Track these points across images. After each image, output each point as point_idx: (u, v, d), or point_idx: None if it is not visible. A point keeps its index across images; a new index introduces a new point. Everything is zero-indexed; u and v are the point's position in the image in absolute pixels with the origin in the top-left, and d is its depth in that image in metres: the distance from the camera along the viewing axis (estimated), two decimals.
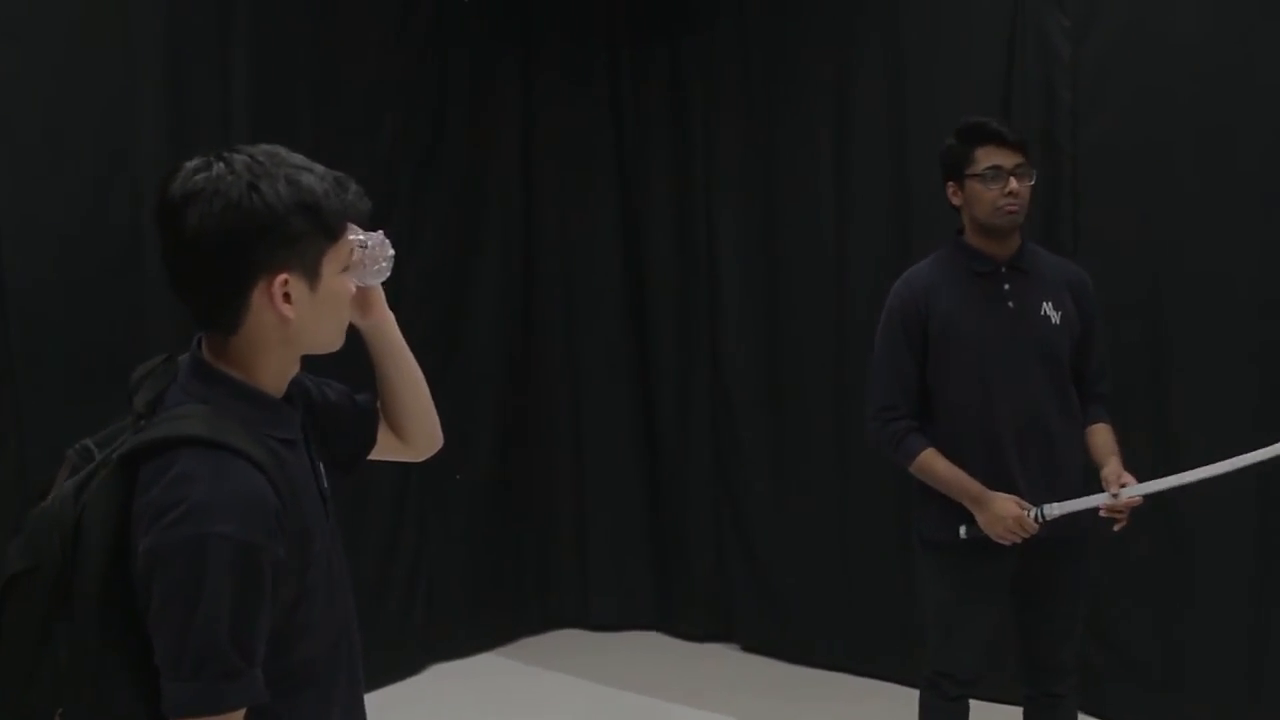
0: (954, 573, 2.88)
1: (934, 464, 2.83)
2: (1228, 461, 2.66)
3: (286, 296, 1.41)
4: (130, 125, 3.75)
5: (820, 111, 4.56)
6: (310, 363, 1.57)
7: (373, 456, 1.77)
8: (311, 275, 1.43)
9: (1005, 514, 2.73)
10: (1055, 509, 2.73)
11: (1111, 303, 3.76)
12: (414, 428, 1.78)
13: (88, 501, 1.36)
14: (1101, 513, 2.77)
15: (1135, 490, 2.75)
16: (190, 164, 1.40)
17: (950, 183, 2.88)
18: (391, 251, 1.59)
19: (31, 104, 3.52)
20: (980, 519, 2.75)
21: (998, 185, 2.79)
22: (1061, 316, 2.85)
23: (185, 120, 3.88)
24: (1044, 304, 2.85)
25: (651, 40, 5.09)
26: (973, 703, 2.96)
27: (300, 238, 1.40)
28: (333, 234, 1.45)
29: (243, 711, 1.34)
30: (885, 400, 2.89)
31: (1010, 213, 2.80)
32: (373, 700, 4.92)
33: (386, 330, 1.70)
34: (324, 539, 1.49)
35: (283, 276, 1.40)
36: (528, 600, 5.19)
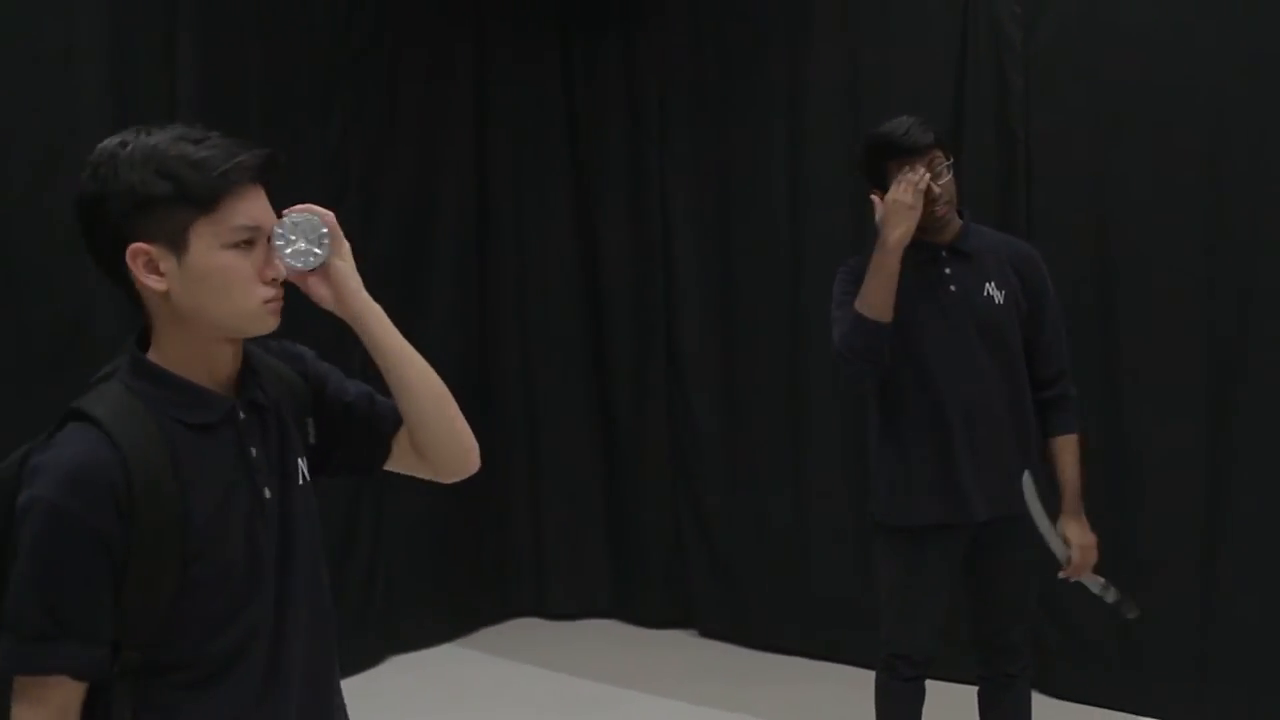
0: (905, 554, 2.88)
1: (870, 289, 2.74)
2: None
3: (155, 269, 1.39)
4: (72, 120, 3.67)
5: (774, 100, 4.57)
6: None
7: (394, 469, 1.66)
8: (177, 247, 1.38)
9: (893, 197, 2.67)
10: (1029, 491, 2.73)
11: (1064, 285, 3.80)
12: (429, 441, 1.61)
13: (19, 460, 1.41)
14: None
15: (1085, 580, 2.84)
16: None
17: (875, 191, 2.79)
18: (323, 231, 1.50)
19: None
20: (884, 229, 2.69)
21: (916, 198, 2.72)
22: (1005, 295, 2.81)
23: (130, 115, 3.79)
24: (987, 285, 2.81)
25: (604, 29, 5.07)
26: (929, 683, 2.97)
27: (153, 204, 1.37)
28: (202, 204, 1.38)
29: (72, 686, 1.34)
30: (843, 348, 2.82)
31: (941, 214, 2.77)
32: None
33: (368, 325, 1.56)
34: (234, 531, 1.42)
35: (137, 245, 1.38)
36: (485, 590, 5.16)
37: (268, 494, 1.47)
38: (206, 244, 1.39)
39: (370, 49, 4.65)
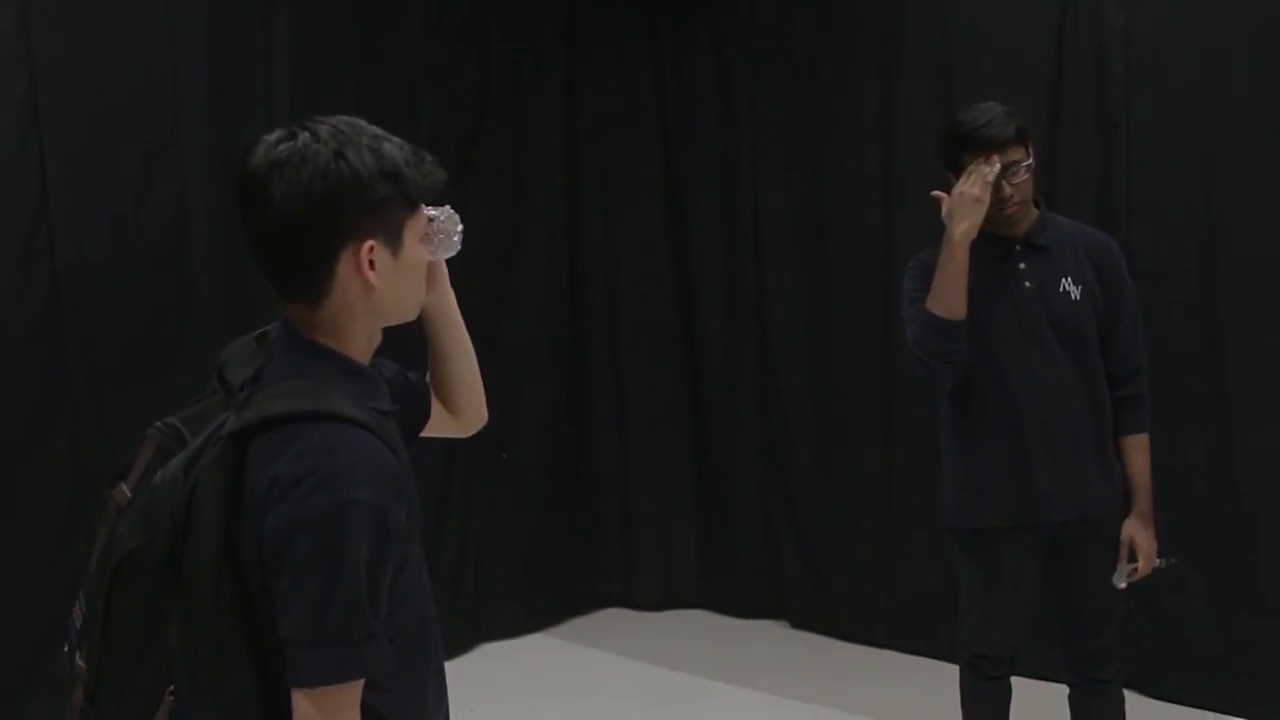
0: (979, 558, 2.83)
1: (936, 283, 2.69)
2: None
3: (371, 264, 1.41)
4: (173, 110, 3.78)
5: (866, 87, 4.51)
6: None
7: (424, 433, 1.76)
8: (394, 243, 1.44)
9: (960, 189, 2.62)
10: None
11: (1165, 279, 3.71)
12: (464, 402, 1.81)
13: (198, 478, 1.35)
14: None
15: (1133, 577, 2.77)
16: (271, 136, 1.40)
17: (951, 175, 2.72)
18: (461, 226, 1.62)
19: (76, 89, 3.56)
20: (950, 223, 2.63)
21: (988, 193, 2.65)
22: (1082, 290, 2.73)
23: (227, 106, 3.91)
24: (1063, 280, 2.72)
25: (693, 21, 5.05)
26: (1021, 681, 2.92)
27: (384, 204, 1.41)
28: (413, 203, 1.46)
29: (363, 680, 1.34)
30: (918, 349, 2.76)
31: (1010, 213, 2.69)
32: None
33: (447, 305, 1.73)
34: (415, 509, 1.50)
35: (369, 243, 1.40)
36: (575, 580, 5.20)
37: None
38: (412, 239, 1.47)
39: (460, 45, 4.70)
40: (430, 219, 1.53)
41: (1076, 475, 2.71)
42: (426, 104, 4.56)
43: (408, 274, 1.48)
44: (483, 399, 1.85)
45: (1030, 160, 2.69)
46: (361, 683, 1.33)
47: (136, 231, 3.70)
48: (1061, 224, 2.82)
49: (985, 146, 2.63)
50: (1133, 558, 2.76)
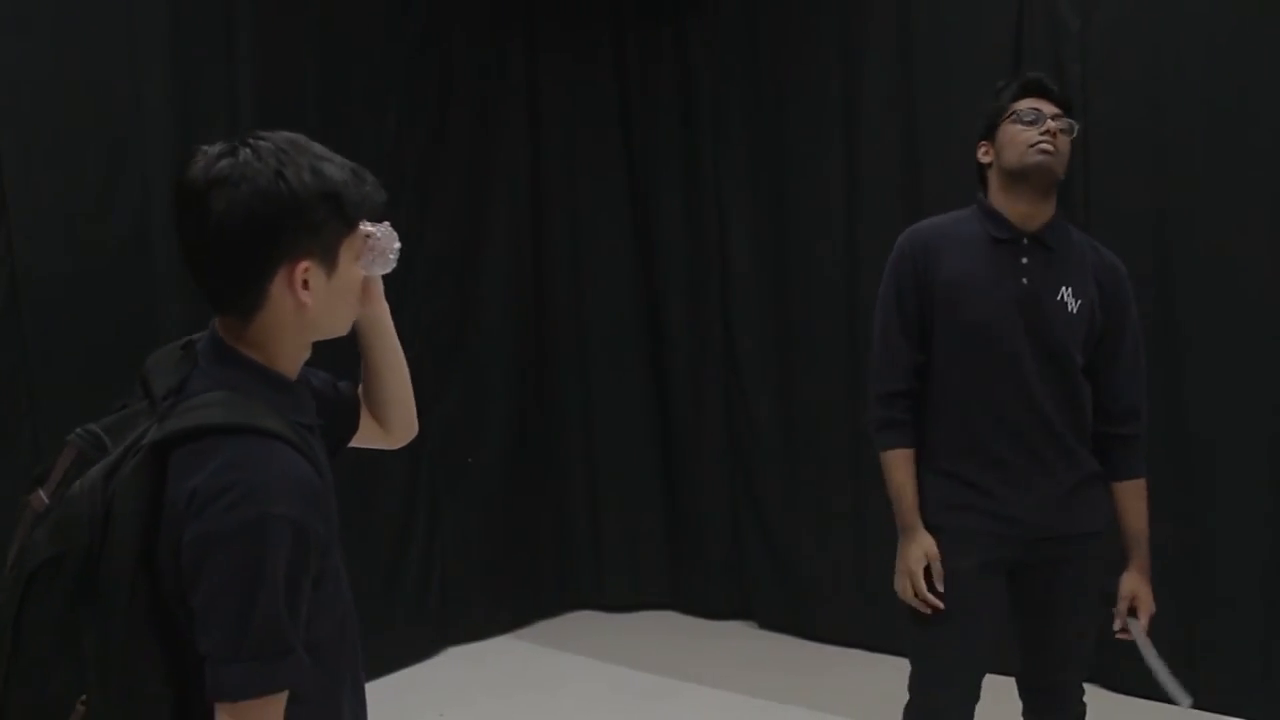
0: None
1: (893, 469, 2.58)
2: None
3: (305, 283, 1.42)
4: (136, 114, 3.75)
5: (827, 91, 4.54)
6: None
7: (353, 444, 1.79)
8: (329, 263, 1.44)
9: (913, 560, 2.50)
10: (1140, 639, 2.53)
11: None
12: (395, 415, 1.80)
13: (117, 489, 1.35)
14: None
15: (1141, 646, 2.54)
16: (212, 149, 1.39)
17: (982, 143, 2.57)
18: (398, 244, 1.61)
19: (37, 92, 3.52)
20: (900, 550, 2.55)
21: (1034, 126, 2.48)
22: (1080, 306, 2.49)
23: (191, 110, 3.88)
24: (1063, 289, 2.49)
25: (656, 22, 5.07)
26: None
27: (322, 226, 1.41)
28: (350, 223, 1.46)
29: (285, 694, 1.35)
30: (878, 384, 2.61)
31: (1044, 152, 2.45)
32: (389, 683, 4.96)
33: (382, 319, 1.73)
34: (334, 522, 1.50)
35: (304, 264, 1.41)
36: (542, 582, 5.20)
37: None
38: (348, 259, 1.48)
39: (423, 46, 4.69)
40: (367, 236, 1.53)
41: (1046, 490, 2.50)
42: (389, 108, 4.54)
43: (341, 293, 1.48)
44: (413, 412, 1.84)
45: (1077, 129, 2.55)
46: (285, 696, 1.34)
47: (97, 236, 3.66)
48: (1075, 235, 2.61)
49: (1043, 93, 2.53)
50: (1133, 613, 2.57)
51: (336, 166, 1.44)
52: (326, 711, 1.48)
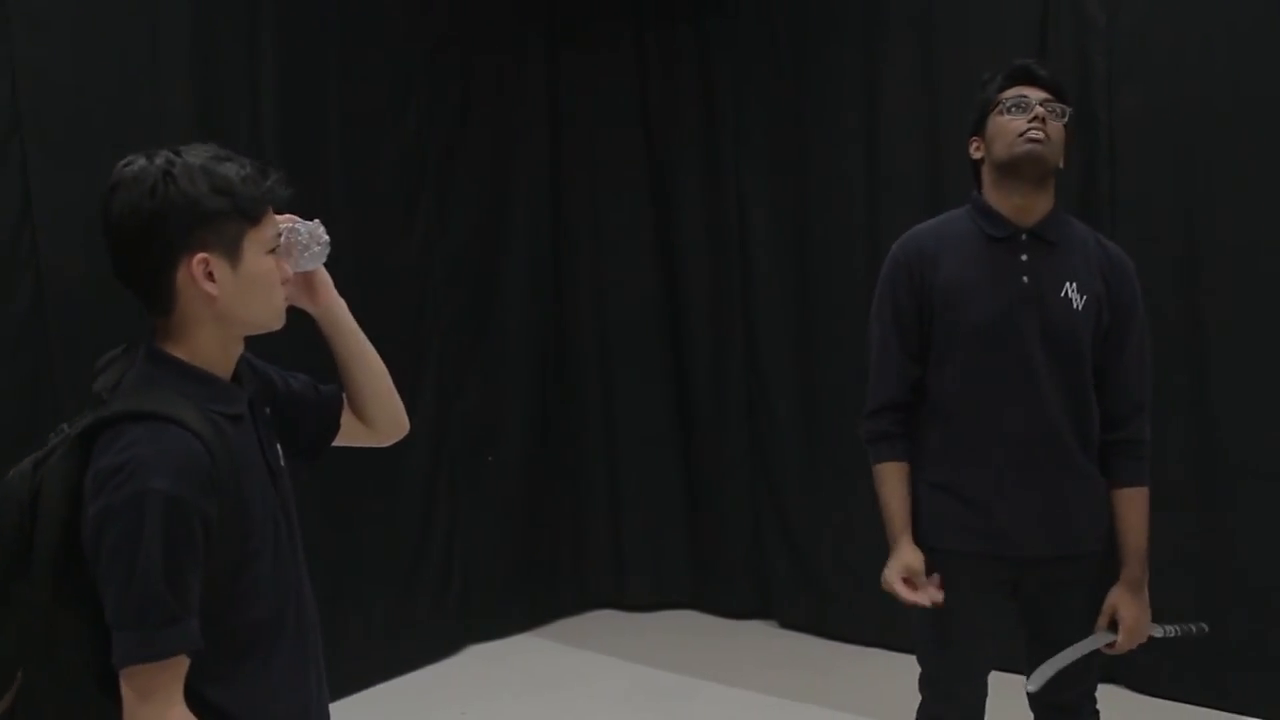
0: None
1: (882, 482, 2.50)
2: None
3: (210, 276, 1.52)
4: (159, 115, 3.75)
5: (849, 88, 4.52)
6: (288, 355, 1.67)
7: (339, 443, 1.87)
8: (232, 255, 1.54)
9: (892, 574, 2.44)
10: (1044, 671, 2.36)
11: (1147, 278, 3.71)
12: (375, 412, 1.86)
13: (44, 474, 1.50)
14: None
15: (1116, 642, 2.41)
16: (133, 160, 1.54)
17: (973, 138, 2.47)
18: (326, 238, 1.70)
19: (61, 94, 3.53)
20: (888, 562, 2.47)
21: (1022, 114, 2.36)
22: (1086, 302, 2.36)
23: (213, 111, 3.89)
24: (1066, 285, 2.36)
25: (677, 21, 5.06)
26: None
27: (214, 218, 1.51)
28: (252, 216, 1.55)
29: (185, 662, 1.44)
30: (873, 397, 2.53)
31: (1034, 141, 2.32)
32: (411, 681, 4.96)
33: (337, 314, 1.79)
34: (268, 508, 1.59)
35: (201, 255, 1.51)
36: (563, 581, 5.20)
37: (274, 475, 1.64)
38: (254, 252, 1.56)
39: (443, 48, 4.69)
40: (280, 232, 1.61)
41: (1051, 506, 2.39)
42: (410, 107, 4.55)
43: (252, 285, 1.56)
44: (398, 410, 1.89)
45: (1070, 113, 2.42)
46: (178, 666, 1.44)
47: None
48: (1077, 227, 2.48)
49: (1030, 79, 2.40)
50: (1114, 627, 2.42)
51: (234, 164, 1.55)
52: (257, 694, 1.56)
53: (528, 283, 5.03)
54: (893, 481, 2.51)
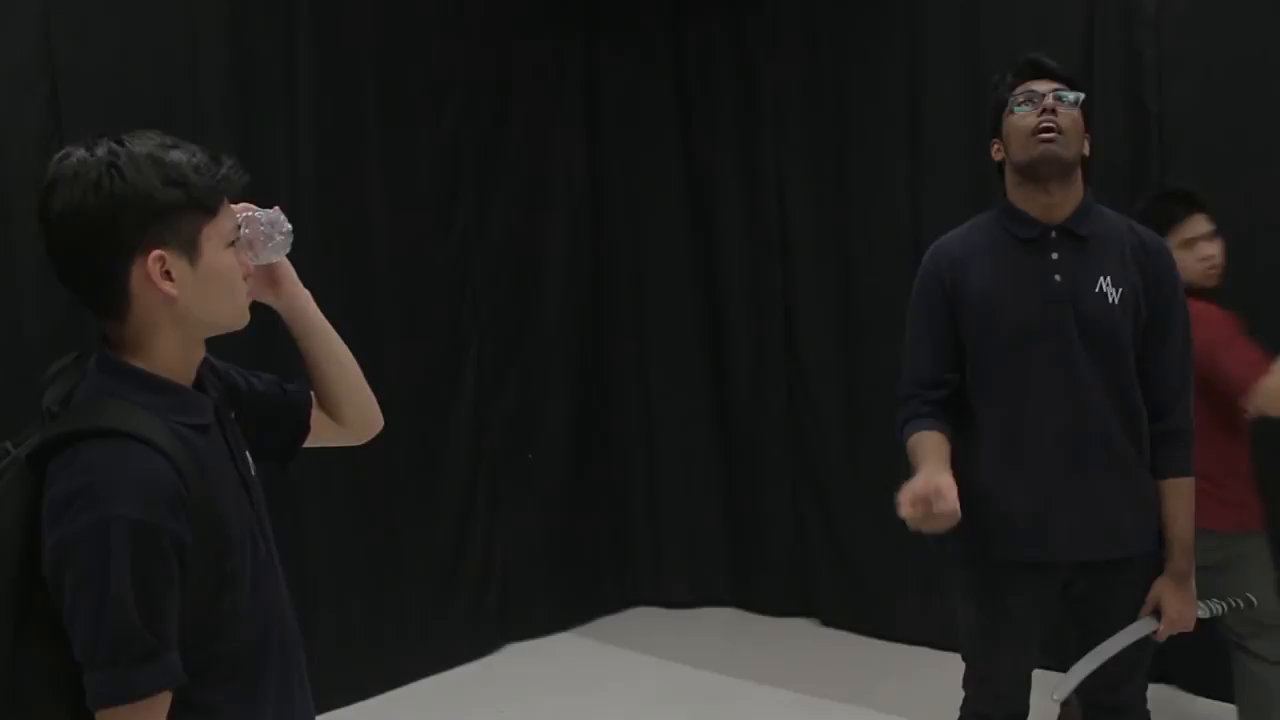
0: (981, 599, 2.47)
1: (916, 445, 2.38)
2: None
3: (168, 275, 1.39)
4: (195, 109, 3.77)
5: (890, 80, 4.47)
6: (257, 353, 1.55)
7: (312, 443, 1.75)
8: (190, 251, 1.41)
9: (915, 487, 2.19)
10: (1076, 672, 2.31)
11: None
12: (346, 409, 1.74)
13: None
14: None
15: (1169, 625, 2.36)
16: (72, 151, 1.39)
17: (994, 141, 2.45)
18: (289, 227, 1.58)
19: (98, 88, 3.55)
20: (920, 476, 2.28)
21: (1032, 110, 2.32)
22: (1123, 294, 2.32)
23: (250, 106, 3.91)
24: (1101, 280, 2.32)
25: (715, 14, 5.02)
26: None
27: (168, 212, 1.38)
28: (208, 208, 1.42)
29: (168, 698, 1.33)
30: (904, 385, 2.50)
31: (1047, 137, 2.29)
32: (449, 679, 4.96)
33: (302, 307, 1.68)
34: (244, 524, 1.47)
35: (156, 253, 1.38)
36: (603, 578, 5.18)
37: (248, 487, 1.53)
38: (214, 246, 1.43)
39: (481, 42, 4.67)
40: (239, 223, 1.49)
41: (1101, 508, 2.35)
42: (448, 102, 4.54)
43: (212, 281, 1.43)
44: (370, 406, 1.77)
45: (1082, 98, 2.36)
46: (159, 704, 1.32)
47: None
48: (1108, 216, 2.42)
49: (1039, 73, 2.37)
50: (1158, 616, 2.39)
51: (184, 152, 1.41)
52: None
53: (566, 279, 5.02)
54: (924, 442, 2.36)
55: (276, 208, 1.58)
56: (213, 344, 1.53)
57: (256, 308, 1.60)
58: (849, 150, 4.63)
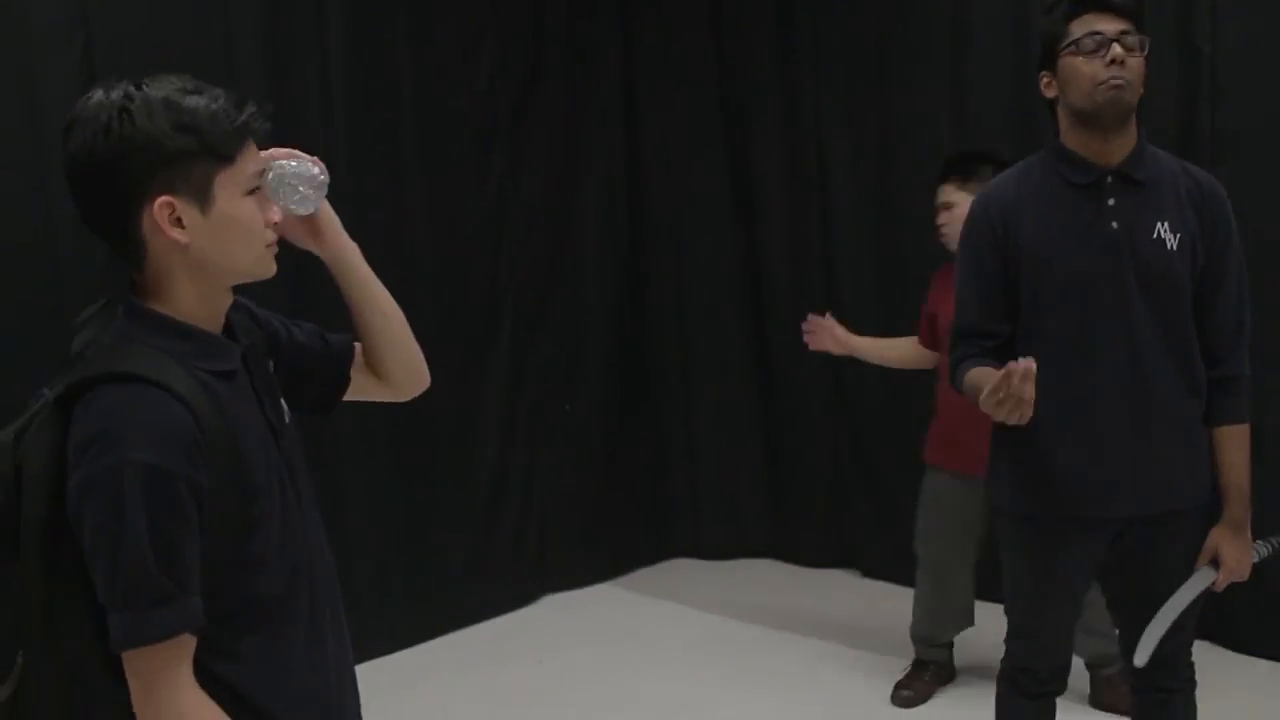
0: (1030, 551, 2.43)
1: (972, 378, 2.30)
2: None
3: (179, 221, 1.38)
4: (227, 63, 3.74)
5: (934, 43, 4.39)
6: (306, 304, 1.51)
7: (354, 397, 1.74)
8: (201, 198, 1.39)
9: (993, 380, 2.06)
10: (1149, 637, 2.29)
11: (1248, 218, 3.55)
12: (392, 364, 1.72)
13: (27, 445, 1.38)
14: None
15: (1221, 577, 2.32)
16: (93, 91, 1.39)
17: (1043, 74, 2.33)
18: (323, 179, 1.54)
19: (131, 52, 3.51)
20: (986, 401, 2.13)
21: (1098, 56, 2.22)
22: (1180, 240, 2.26)
23: (282, 57, 3.88)
24: (1158, 225, 2.26)
25: None
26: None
27: (178, 158, 1.37)
28: (224, 155, 1.40)
29: (191, 641, 1.34)
30: (955, 331, 2.43)
31: (1115, 88, 2.20)
32: (487, 629, 4.98)
33: (347, 258, 1.65)
34: (272, 471, 1.46)
35: (164, 199, 1.37)
36: (641, 529, 5.18)
37: (277, 434, 1.52)
38: (229, 194, 1.41)
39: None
40: (264, 170, 1.47)
41: (1156, 461, 2.31)
42: (483, 54, 4.48)
43: (228, 228, 1.41)
44: (417, 362, 1.75)
45: (1148, 43, 2.28)
46: (182, 647, 1.33)
47: None
48: (1163, 159, 2.35)
49: (1103, 5, 2.25)
50: (1215, 566, 2.35)
51: (203, 97, 1.39)
52: (273, 670, 1.46)
53: (603, 230, 4.98)
54: (984, 373, 2.22)
55: (313, 159, 1.54)
56: (260, 294, 1.53)
57: (308, 257, 1.60)
58: (891, 98, 4.54)
